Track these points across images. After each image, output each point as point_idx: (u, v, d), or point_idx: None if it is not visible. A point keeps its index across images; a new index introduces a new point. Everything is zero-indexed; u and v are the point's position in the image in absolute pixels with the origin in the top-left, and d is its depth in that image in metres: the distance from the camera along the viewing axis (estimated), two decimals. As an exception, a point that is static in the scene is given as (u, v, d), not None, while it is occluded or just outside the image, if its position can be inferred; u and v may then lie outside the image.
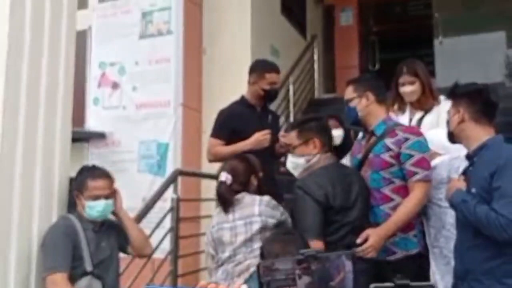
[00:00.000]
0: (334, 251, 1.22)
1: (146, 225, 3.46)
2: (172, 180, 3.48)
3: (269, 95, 3.12)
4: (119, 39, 5.00)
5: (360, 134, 2.71)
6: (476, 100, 2.09)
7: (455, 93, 2.16)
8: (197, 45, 4.98)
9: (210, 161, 3.18)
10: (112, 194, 2.35)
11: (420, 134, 2.40)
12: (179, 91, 4.72)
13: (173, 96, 4.70)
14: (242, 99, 3.20)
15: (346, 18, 7.45)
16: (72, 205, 2.38)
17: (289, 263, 0.95)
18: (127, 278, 3.13)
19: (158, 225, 3.39)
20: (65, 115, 2.47)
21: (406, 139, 2.31)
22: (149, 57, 4.82)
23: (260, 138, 2.90)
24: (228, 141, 3.01)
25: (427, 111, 2.94)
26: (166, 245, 3.72)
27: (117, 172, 4.84)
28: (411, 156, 2.29)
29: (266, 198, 2.40)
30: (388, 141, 2.34)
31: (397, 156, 2.31)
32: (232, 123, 3.04)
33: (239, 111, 3.10)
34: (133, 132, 4.86)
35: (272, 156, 3.14)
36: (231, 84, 4.78)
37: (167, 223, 3.72)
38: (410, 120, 3.00)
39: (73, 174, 5.57)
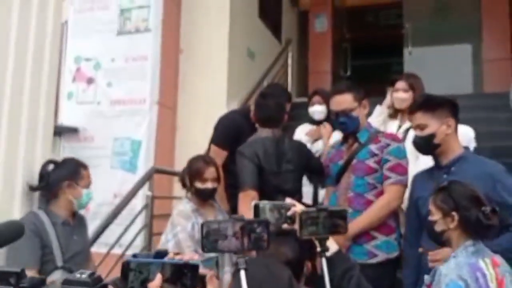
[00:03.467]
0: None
1: (120, 222, 3.49)
2: (148, 177, 3.52)
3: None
4: (96, 34, 4.96)
5: (333, 139, 2.81)
6: (456, 110, 2.15)
7: (438, 104, 2.14)
8: (174, 44, 5.01)
9: None
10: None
11: (399, 140, 2.52)
12: (155, 89, 4.72)
13: (148, 93, 4.68)
14: (245, 110, 3.29)
15: (321, 24, 7.58)
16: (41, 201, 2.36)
17: (228, 223, 1.30)
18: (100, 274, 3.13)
19: (132, 221, 3.42)
20: (48, 110, 2.48)
21: (388, 145, 2.42)
22: (126, 54, 4.79)
23: None
24: (233, 148, 3.01)
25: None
26: (139, 242, 3.75)
27: (89, 168, 4.91)
28: (388, 160, 2.39)
29: (180, 208, 2.57)
30: (373, 147, 2.43)
31: (380, 162, 2.41)
32: (235, 133, 3.14)
33: (238, 122, 3.22)
34: (107, 128, 4.81)
35: None
36: (207, 84, 4.87)
37: (139, 220, 3.75)
38: (399, 127, 3.12)
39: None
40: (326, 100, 3.43)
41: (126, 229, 3.45)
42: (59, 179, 2.30)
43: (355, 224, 2.30)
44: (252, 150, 2.58)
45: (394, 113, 3.21)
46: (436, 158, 2.18)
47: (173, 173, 4.30)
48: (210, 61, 4.92)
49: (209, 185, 2.54)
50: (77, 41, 5.07)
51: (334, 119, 2.54)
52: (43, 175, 2.35)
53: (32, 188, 2.34)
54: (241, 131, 3.12)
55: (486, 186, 1.88)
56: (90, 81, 4.97)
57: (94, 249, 3.10)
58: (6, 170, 2.25)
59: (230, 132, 3.18)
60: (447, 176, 2.09)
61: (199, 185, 2.53)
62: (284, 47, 6.60)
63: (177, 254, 1.10)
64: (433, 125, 2.11)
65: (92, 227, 3.78)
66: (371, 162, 2.41)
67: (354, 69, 7.80)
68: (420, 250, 2.11)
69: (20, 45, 2.30)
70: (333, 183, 2.58)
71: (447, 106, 2.14)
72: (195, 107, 4.80)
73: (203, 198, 2.59)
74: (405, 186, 2.40)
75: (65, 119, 5.04)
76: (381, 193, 2.39)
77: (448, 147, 2.13)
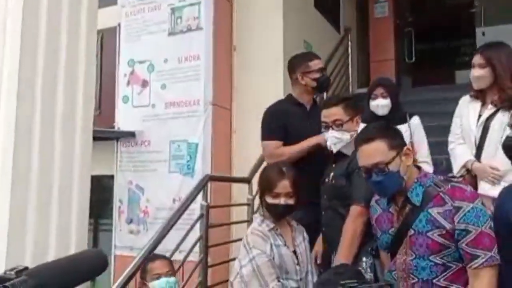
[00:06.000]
0: None
1: (179, 226, 3.34)
2: (202, 186, 3.35)
3: (322, 84, 2.92)
4: (148, 36, 4.89)
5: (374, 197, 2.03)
6: None
7: None
8: (227, 41, 4.82)
9: None
10: (173, 273, 2.42)
11: (474, 197, 1.76)
12: (209, 89, 4.58)
13: (202, 94, 4.55)
14: (289, 97, 3.00)
15: (381, 10, 7.16)
16: None
17: None
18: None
19: (188, 233, 3.27)
20: (86, 116, 2.32)
21: (458, 209, 1.71)
22: (178, 54, 4.68)
23: None
24: (284, 141, 2.79)
25: (500, 107, 2.55)
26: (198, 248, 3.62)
27: (147, 172, 4.89)
28: (466, 232, 1.69)
29: (254, 226, 2.17)
30: (435, 212, 1.75)
31: (451, 235, 1.72)
32: (282, 120, 2.84)
33: (287, 108, 2.90)
34: (163, 131, 4.76)
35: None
36: (262, 82, 4.64)
37: (198, 227, 3.60)
38: (479, 116, 2.67)
39: (101, 172, 5.51)
40: (390, 93, 3.11)
41: (184, 238, 3.30)
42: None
43: None
44: None
45: (476, 93, 2.76)
46: None
47: (230, 180, 4.12)
48: (265, 57, 4.68)
49: (281, 201, 2.11)
50: (130, 44, 5.03)
51: (365, 177, 1.86)
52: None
53: None
54: (287, 115, 2.84)
55: None
56: (144, 83, 4.93)
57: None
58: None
59: (275, 119, 2.86)
60: None
61: (269, 199, 2.14)
62: (343, 36, 6.26)
63: None
64: None
65: (151, 232, 3.72)
66: (436, 236, 1.73)
67: (419, 55, 7.30)
68: None
69: (50, 52, 2.15)
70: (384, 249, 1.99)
71: None
72: (251, 106, 4.57)
73: (274, 215, 2.18)
74: (499, 265, 1.74)
75: (121, 124, 5.04)
76: (458, 274, 1.74)
77: None
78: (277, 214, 2.17)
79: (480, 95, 2.73)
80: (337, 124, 2.36)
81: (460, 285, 1.74)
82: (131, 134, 4.91)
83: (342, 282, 1.17)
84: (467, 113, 2.77)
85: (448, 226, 1.71)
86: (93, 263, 0.94)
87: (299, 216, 2.36)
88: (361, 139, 1.86)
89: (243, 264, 2.07)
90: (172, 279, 2.35)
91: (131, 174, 4.96)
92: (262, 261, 2.02)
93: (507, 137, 1.87)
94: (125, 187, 4.98)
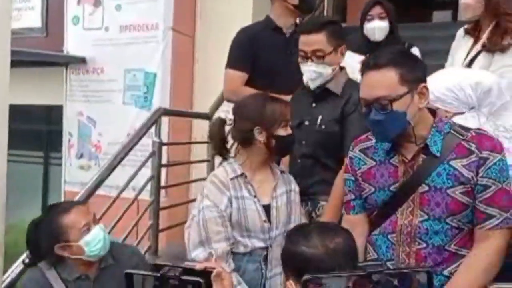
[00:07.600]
0: None
1: (132, 163, 3.00)
2: (154, 120, 2.98)
3: (307, 2, 2.52)
4: None
5: (369, 142, 1.62)
6: None
7: None
8: (191, -44, 4.33)
9: (229, 100, 2.54)
10: (95, 218, 1.85)
11: (502, 148, 1.48)
12: (169, 12, 4.16)
13: (162, 18, 4.16)
14: (267, 20, 2.58)
15: None
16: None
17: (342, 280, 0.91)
18: (110, 219, 2.71)
19: (137, 171, 2.92)
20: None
21: (484, 160, 1.43)
22: (135, -30, 4.22)
23: None
24: (251, 73, 2.44)
25: (488, 47, 2.20)
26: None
27: (100, 103, 4.48)
28: (485, 187, 1.43)
29: (217, 171, 1.80)
30: (459, 165, 1.45)
31: (473, 191, 1.44)
32: (252, 49, 2.45)
33: (261, 34, 2.50)
34: (117, 58, 4.38)
35: None
36: (229, 6, 4.20)
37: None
38: (467, 54, 2.33)
39: (48, 101, 5.04)
40: (389, 14, 2.71)
41: (133, 177, 2.96)
42: (47, 247, 1.75)
43: None
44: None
45: (469, 26, 2.41)
46: None
47: (188, 115, 3.77)
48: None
49: (290, 130, 1.81)
50: (81, -45, 4.48)
51: (365, 112, 1.49)
52: (30, 241, 1.80)
53: (27, 265, 1.83)
54: (259, 42, 2.47)
55: None
56: (97, 3, 4.51)
57: (102, 191, 2.68)
58: None
59: (244, 45, 2.48)
60: None
61: (282, 132, 1.77)
62: (319, -37, 5.75)
63: None
64: None
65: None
66: (457, 193, 1.44)
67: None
68: None
69: None
70: (362, 212, 1.64)
71: None
72: (216, 33, 4.17)
73: (286, 149, 1.86)
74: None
75: (71, 48, 4.63)
76: (468, 238, 1.48)
77: None
78: (290, 145, 1.84)
79: (473, 29, 2.39)
80: (318, 56, 1.93)
81: (469, 250, 1.47)
82: (82, 60, 4.55)
83: (361, 264, 0.98)
84: (458, 50, 2.45)
85: (473, 180, 1.43)
86: None
87: None
88: (368, 64, 1.46)
89: (194, 213, 1.75)
90: (101, 225, 1.83)
91: (81, 105, 4.64)
92: (210, 216, 1.69)
93: None
94: (75, 119, 4.67)
